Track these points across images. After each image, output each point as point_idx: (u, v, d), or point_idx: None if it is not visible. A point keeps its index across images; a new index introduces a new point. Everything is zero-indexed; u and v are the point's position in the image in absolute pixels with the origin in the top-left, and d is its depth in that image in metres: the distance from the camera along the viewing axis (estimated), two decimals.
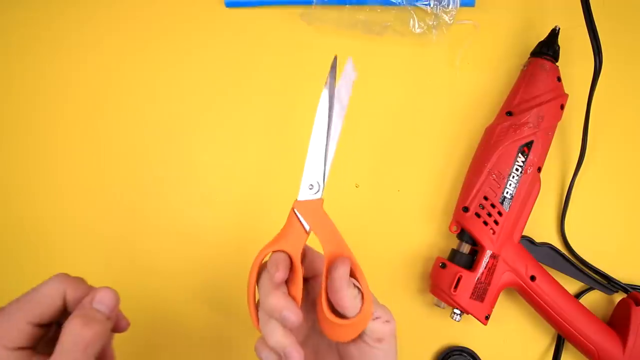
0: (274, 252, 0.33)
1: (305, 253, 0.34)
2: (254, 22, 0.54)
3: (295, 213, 0.33)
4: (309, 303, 0.35)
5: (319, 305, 0.31)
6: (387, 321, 0.33)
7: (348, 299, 0.30)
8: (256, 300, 0.33)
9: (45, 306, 0.28)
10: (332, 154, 0.34)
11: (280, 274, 0.31)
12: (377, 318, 0.32)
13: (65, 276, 0.30)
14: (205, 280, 0.51)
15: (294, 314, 0.30)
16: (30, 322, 0.28)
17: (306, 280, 0.35)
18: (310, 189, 0.34)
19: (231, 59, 0.54)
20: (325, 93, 0.35)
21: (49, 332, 0.30)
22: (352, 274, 0.31)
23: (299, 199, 0.34)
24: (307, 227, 0.33)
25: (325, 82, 0.35)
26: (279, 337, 0.30)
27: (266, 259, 0.33)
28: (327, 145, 0.34)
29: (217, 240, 0.52)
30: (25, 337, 0.28)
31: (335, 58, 0.35)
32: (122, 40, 0.54)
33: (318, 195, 0.34)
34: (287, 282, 0.32)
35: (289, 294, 0.32)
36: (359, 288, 0.31)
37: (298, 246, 0.33)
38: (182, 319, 0.51)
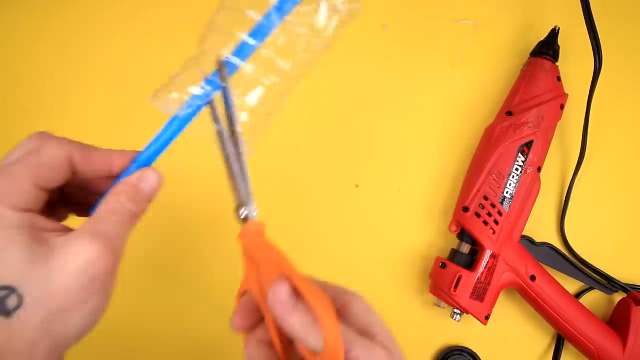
0: (239, 297, 0.29)
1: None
2: None
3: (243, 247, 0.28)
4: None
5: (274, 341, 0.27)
6: None
7: (295, 328, 0.23)
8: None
9: (51, 169, 0.26)
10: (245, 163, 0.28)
11: (237, 325, 0.28)
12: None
13: (64, 139, 0.27)
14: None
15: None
16: (36, 185, 0.25)
17: None
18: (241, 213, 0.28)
19: None
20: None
21: (53, 197, 0.28)
22: (301, 296, 0.24)
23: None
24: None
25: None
26: None
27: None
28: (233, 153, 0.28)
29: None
30: (32, 199, 0.25)
31: None
32: (123, 39, 0.54)
33: (250, 218, 0.28)
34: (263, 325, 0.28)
35: (267, 338, 0.27)
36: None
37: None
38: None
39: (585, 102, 0.48)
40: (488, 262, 0.45)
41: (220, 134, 0.28)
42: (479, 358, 0.49)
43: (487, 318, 0.45)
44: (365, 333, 0.25)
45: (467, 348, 0.49)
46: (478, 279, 0.44)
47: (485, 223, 0.45)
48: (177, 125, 0.29)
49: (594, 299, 0.49)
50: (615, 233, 0.50)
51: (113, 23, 0.55)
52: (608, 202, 0.51)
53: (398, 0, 0.54)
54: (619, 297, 0.49)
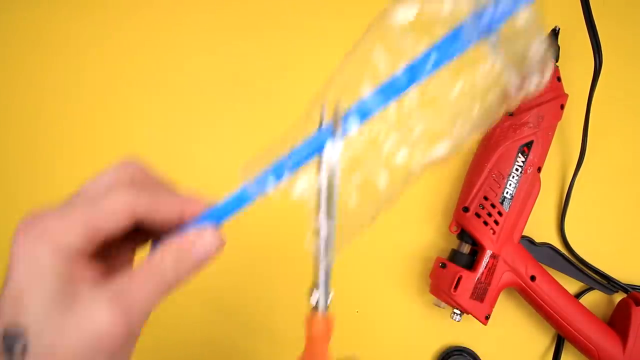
0: None
1: None
2: None
3: None
4: None
5: None
6: None
7: None
8: None
9: (107, 221, 0.24)
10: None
11: None
12: None
13: (133, 188, 0.25)
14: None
15: None
16: (86, 234, 0.24)
17: None
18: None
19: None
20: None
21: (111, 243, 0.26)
22: None
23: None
24: None
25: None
26: None
27: None
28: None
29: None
30: (81, 241, 0.23)
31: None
32: (122, 40, 0.54)
33: (319, 310, 0.28)
34: None
35: None
36: None
37: None
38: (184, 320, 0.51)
39: (585, 102, 0.48)
40: (488, 262, 0.45)
41: (318, 214, 0.28)
42: (479, 358, 0.49)
43: (487, 318, 0.45)
44: None
45: (467, 348, 0.49)
46: (478, 279, 0.44)
47: (485, 223, 0.45)
48: (261, 188, 0.27)
49: (594, 299, 0.49)
50: (615, 233, 0.50)
51: (112, 23, 0.55)
52: (608, 202, 0.51)
53: None
54: (619, 297, 0.49)
